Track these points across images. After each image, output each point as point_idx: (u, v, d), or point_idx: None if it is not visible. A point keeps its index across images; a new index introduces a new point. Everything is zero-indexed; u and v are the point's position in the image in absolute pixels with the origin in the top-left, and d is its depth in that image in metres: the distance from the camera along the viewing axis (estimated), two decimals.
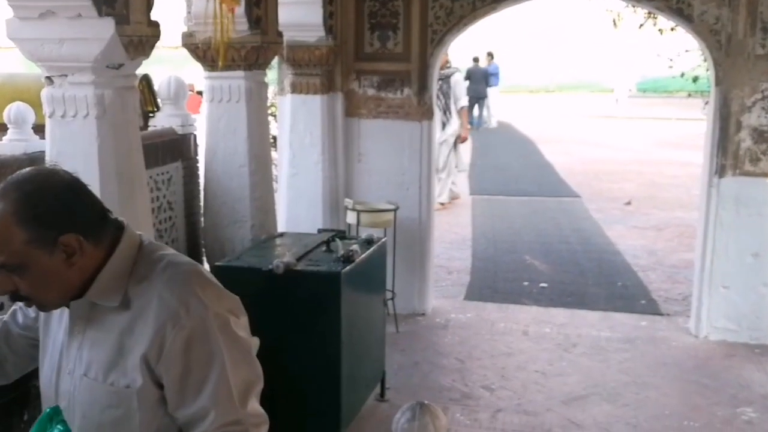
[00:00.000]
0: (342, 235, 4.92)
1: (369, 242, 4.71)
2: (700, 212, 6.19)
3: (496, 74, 21.02)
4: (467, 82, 19.99)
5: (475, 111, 19.97)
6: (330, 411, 4.23)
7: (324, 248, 4.56)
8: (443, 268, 7.96)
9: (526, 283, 7.54)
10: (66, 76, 3.43)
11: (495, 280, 7.68)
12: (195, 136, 5.16)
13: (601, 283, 7.63)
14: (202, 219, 5.16)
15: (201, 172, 5.21)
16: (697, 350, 5.92)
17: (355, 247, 4.39)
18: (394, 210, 6.10)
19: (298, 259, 4.29)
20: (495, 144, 17.73)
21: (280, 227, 5.90)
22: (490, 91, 20.80)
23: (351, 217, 6.06)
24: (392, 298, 6.17)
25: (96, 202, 1.87)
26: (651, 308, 6.87)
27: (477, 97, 19.66)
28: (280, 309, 4.22)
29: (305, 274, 4.17)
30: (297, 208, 6.26)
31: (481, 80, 20.10)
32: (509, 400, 5.09)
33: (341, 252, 4.34)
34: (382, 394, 5.07)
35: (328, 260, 4.33)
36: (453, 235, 9.35)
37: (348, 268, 4.20)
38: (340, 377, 4.18)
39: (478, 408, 4.97)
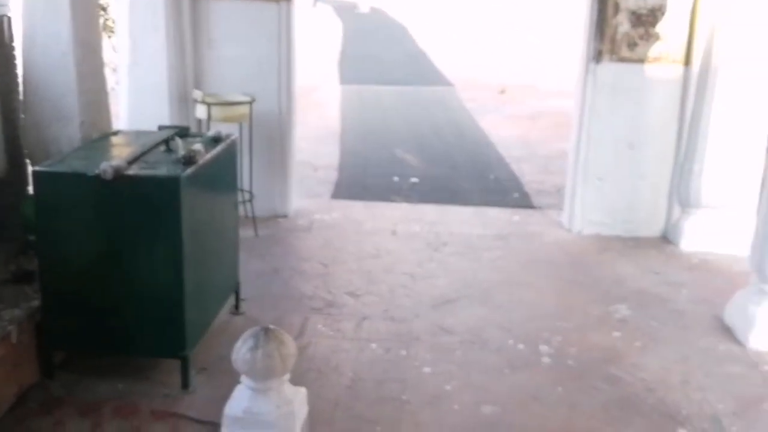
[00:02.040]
0: (186, 132, 4.36)
1: (216, 140, 4.18)
2: (576, 100, 5.90)
3: None
4: None
5: None
6: (174, 328, 3.76)
7: (164, 148, 4.00)
8: (309, 164, 7.50)
9: (396, 179, 7.18)
10: None
11: (364, 177, 7.29)
12: (9, 18, 4.42)
13: (474, 176, 7.36)
14: (23, 116, 4.49)
15: (19, 62, 4.51)
16: (571, 245, 5.73)
17: (198, 146, 3.85)
18: (250, 102, 5.54)
19: (132, 162, 3.72)
20: (366, 31, 17.09)
21: (122, 125, 5.29)
22: None
23: (201, 111, 5.47)
24: (249, 200, 5.69)
25: None
26: (524, 202, 6.65)
27: None
28: (112, 219, 3.67)
29: (139, 179, 3.61)
30: (140, 103, 5.61)
31: None
32: (375, 306, 4.75)
33: (182, 152, 3.79)
34: (236, 307, 4.64)
35: (167, 162, 3.78)
36: (320, 129, 8.86)
37: (189, 170, 3.66)
38: (183, 291, 3.69)
39: (342, 317, 4.61)
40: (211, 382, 3.94)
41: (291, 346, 2.49)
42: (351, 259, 5.40)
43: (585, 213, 5.84)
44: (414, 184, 7.05)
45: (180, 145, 3.89)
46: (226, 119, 5.43)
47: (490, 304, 4.80)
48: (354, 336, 4.41)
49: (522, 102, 10.24)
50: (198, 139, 4.19)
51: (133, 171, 3.62)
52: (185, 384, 3.85)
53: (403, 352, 4.24)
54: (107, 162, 3.57)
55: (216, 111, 5.39)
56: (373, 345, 4.31)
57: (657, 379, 4.02)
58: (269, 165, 5.96)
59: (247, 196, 5.65)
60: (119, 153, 3.87)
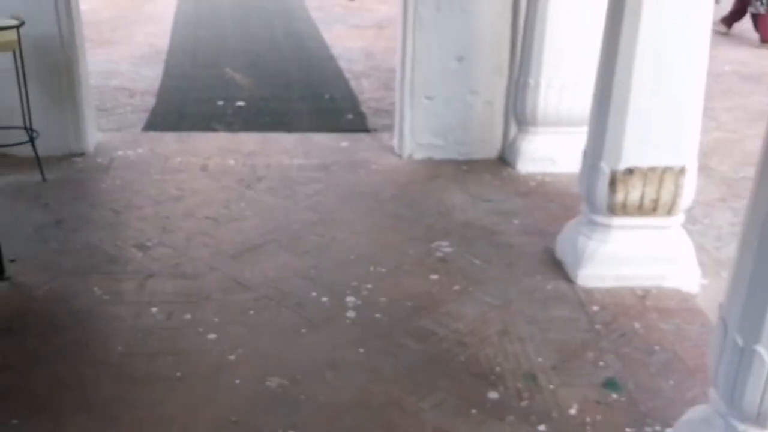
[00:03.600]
0: None
1: None
2: (399, 9, 5.30)
3: None
4: None
5: None
6: None
7: None
8: (125, 90, 6.73)
9: (221, 103, 6.48)
10: None
11: (185, 103, 6.55)
12: None
13: (308, 96, 6.72)
14: None
15: None
16: (399, 173, 5.20)
17: None
18: (17, 27, 4.71)
19: None
20: None
21: None
22: None
23: None
24: (32, 140, 4.94)
25: None
26: (357, 124, 6.07)
27: None
28: None
29: None
30: None
31: None
32: (165, 260, 4.12)
33: None
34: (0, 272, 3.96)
35: None
36: (146, 48, 8.01)
37: None
38: None
39: (124, 276, 3.98)
40: None
41: None
42: (148, 204, 4.74)
43: (415, 136, 5.31)
44: (240, 108, 6.38)
45: None
46: None
47: (298, 248, 4.25)
48: (133, 299, 3.79)
49: (372, 9, 9.55)
50: None
51: None
52: None
53: (188, 316, 3.66)
54: None
55: None
56: (154, 309, 3.71)
57: (472, 330, 3.58)
58: (56, 98, 5.18)
59: (31, 135, 4.93)
60: None
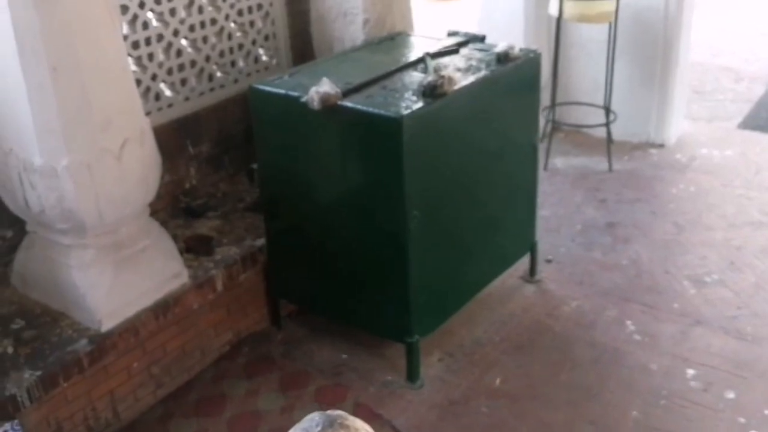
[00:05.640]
0: (479, 41, 3.29)
1: (503, 58, 3.04)
2: None
3: None
4: None
5: None
6: (396, 307, 2.89)
7: (422, 67, 3.01)
8: (731, 72, 5.81)
9: None
10: None
11: None
12: None
13: None
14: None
15: None
16: None
17: (447, 72, 2.76)
18: None
19: (362, 86, 2.80)
20: None
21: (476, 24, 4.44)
22: None
23: (553, 7, 4.28)
24: (608, 123, 4.45)
25: None
26: None
27: None
28: (326, 157, 2.84)
29: (350, 115, 2.68)
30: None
31: None
32: (721, 307, 3.32)
33: (429, 78, 2.75)
34: (531, 273, 3.57)
35: (406, 91, 2.77)
36: None
37: (420, 107, 2.62)
38: (406, 266, 2.77)
39: (665, 314, 3.29)
40: (450, 377, 3.05)
41: None
42: (719, 225, 3.92)
43: None
44: None
45: (430, 68, 2.87)
46: (584, 18, 4.23)
47: None
48: (669, 349, 3.11)
49: None
50: (479, 54, 3.10)
51: (349, 102, 2.71)
52: (412, 376, 3.00)
53: (730, 395, 2.87)
54: (316, 87, 2.71)
55: (570, 6, 4.17)
56: (690, 371, 2.99)
57: None
58: (646, 78, 4.58)
59: (608, 117, 4.45)
60: (365, 69, 2.97)
